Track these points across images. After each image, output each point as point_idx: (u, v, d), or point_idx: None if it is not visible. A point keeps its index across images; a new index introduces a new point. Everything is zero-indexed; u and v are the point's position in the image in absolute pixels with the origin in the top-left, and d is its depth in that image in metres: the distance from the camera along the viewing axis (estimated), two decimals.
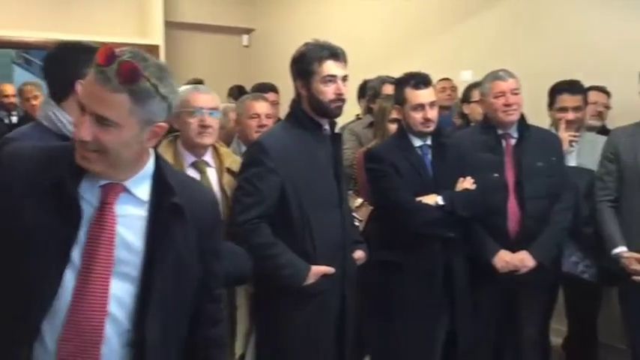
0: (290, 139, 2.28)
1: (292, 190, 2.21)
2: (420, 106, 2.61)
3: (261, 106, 2.98)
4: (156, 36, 6.18)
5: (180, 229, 1.37)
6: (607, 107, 3.51)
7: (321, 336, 2.28)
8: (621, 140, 2.79)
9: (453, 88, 4.50)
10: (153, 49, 6.34)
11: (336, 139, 2.38)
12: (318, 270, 2.22)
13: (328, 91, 2.23)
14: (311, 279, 2.21)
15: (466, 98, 3.76)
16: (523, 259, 2.71)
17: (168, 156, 2.29)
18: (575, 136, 3.06)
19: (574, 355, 3.38)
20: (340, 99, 2.25)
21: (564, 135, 3.02)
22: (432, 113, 2.62)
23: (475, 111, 3.55)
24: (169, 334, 1.38)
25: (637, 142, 2.73)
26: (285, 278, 2.20)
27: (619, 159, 2.76)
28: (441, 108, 2.81)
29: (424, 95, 2.62)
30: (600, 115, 3.46)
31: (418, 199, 2.58)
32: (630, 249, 2.68)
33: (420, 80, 2.64)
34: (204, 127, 2.25)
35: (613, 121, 3.41)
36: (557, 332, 3.44)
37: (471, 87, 3.74)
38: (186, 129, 2.28)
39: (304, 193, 2.22)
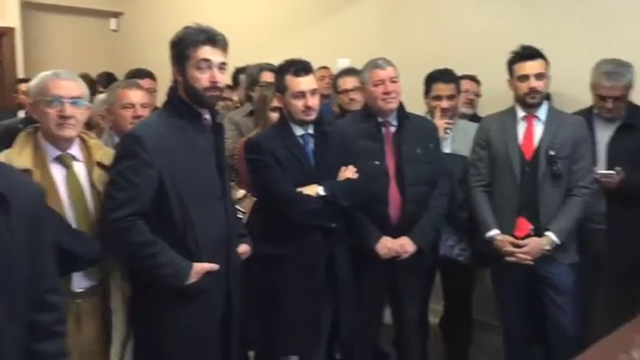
0: (167, 129, 2.13)
1: (171, 183, 2.08)
2: (301, 94, 2.56)
3: (136, 95, 2.78)
4: (10, 17, 5.66)
5: (3, 220, 1.23)
6: (478, 95, 3.68)
7: (205, 335, 2.18)
8: (492, 127, 2.93)
9: (332, 77, 4.51)
10: (7, 32, 5.81)
11: (218, 129, 2.27)
12: (201, 267, 2.11)
13: (202, 78, 2.11)
14: (193, 277, 2.10)
15: (335, 87, 3.75)
16: (404, 245, 2.76)
17: (27, 149, 2.06)
18: (449, 124, 3.17)
19: (450, 333, 3.53)
20: (216, 87, 2.13)
21: (440, 122, 3.12)
22: (313, 101, 2.58)
23: (344, 100, 3.56)
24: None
25: (506, 128, 2.88)
26: (165, 278, 2.07)
27: (490, 145, 2.90)
28: (321, 96, 2.77)
29: (305, 83, 2.57)
30: (471, 103, 3.62)
31: (299, 189, 2.53)
32: (502, 232, 2.83)
33: (300, 67, 2.58)
34: (64, 117, 2.05)
35: (483, 109, 3.59)
36: (434, 312, 3.58)
37: (337, 76, 3.72)
38: (44, 120, 2.07)
39: (184, 186, 2.09)
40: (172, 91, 2.22)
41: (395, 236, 2.77)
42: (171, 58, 2.19)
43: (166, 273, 2.07)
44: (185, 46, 2.12)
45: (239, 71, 3.95)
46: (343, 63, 4.38)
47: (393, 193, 2.79)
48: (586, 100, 3.10)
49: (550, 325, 2.88)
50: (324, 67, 4.46)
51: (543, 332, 2.96)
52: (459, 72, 3.36)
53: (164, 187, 2.07)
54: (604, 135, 2.99)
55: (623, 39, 3.35)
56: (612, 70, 2.90)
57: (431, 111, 3.26)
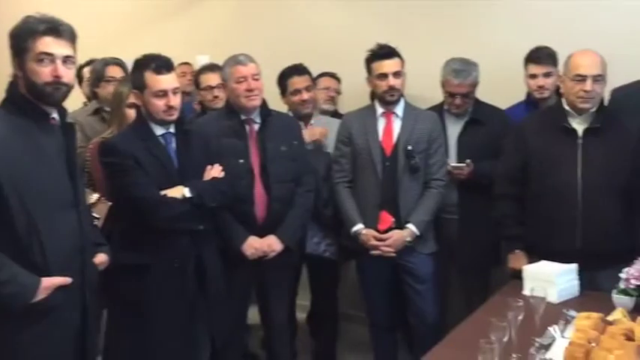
0: (7, 130, 1.90)
1: (13, 190, 1.85)
2: (163, 93, 2.41)
3: None
4: None
5: None
6: (338, 92, 3.74)
7: (57, 354, 1.98)
8: (353, 124, 2.99)
9: (194, 73, 4.36)
10: None
11: (68, 129, 2.05)
12: (50, 282, 1.90)
13: (43, 72, 1.90)
14: (42, 294, 1.89)
15: (197, 84, 3.63)
16: (271, 244, 2.73)
17: None
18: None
19: (318, 328, 3.57)
20: (59, 82, 1.93)
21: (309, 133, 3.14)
22: (175, 100, 2.44)
23: (206, 97, 3.46)
24: None
25: (367, 125, 2.96)
26: (7, 297, 1.85)
27: (352, 142, 2.96)
28: (182, 94, 2.65)
29: (166, 81, 2.42)
30: (333, 100, 3.67)
31: (163, 192, 2.40)
32: (366, 226, 2.90)
33: (161, 64, 2.43)
34: None
35: (344, 106, 3.65)
36: (301, 308, 3.60)
37: (199, 72, 3.61)
38: None
39: (29, 193, 1.88)
40: (12, 87, 1.99)
41: (262, 235, 2.73)
42: (10, 50, 1.96)
43: (8, 292, 1.84)
44: (23, 37, 1.91)
45: (82, 66, 3.66)
46: (202, 59, 4.25)
47: (259, 191, 2.74)
48: (437, 96, 3.26)
49: (412, 312, 3.01)
50: (186, 63, 4.29)
51: (406, 320, 3.09)
52: (319, 69, 3.40)
53: (4, 196, 1.84)
54: (454, 130, 3.16)
55: (469, 40, 3.57)
56: (460, 68, 3.07)
57: (293, 108, 3.26)
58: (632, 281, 2.23)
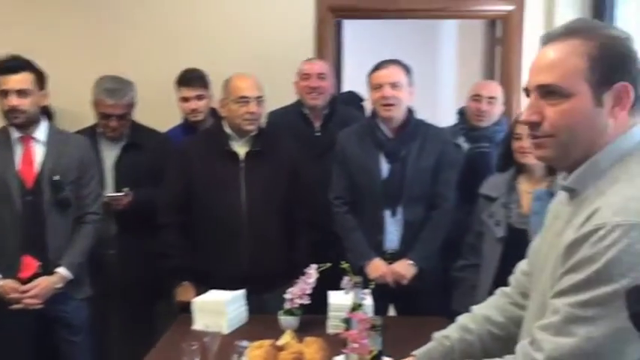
0: None
1: None
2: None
3: None
4: None
5: None
6: None
7: None
8: None
9: None
10: None
11: None
12: None
13: None
14: None
15: None
16: None
17: None
18: None
19: None
20: None
21: None
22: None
23: None
24: None
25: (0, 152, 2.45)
26: None
27: None
28: None
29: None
30: None
31: None
32: (5, 274, 2.38)
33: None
34: None
35: None
36: None
37: None
38: None
39: None
40: None
41: None
42: None
43: None
44: None
45: None
46: None
47: None
48: (90, 117, 2.93)
49: None
50: None
51: None
52: None
53: None
54: (110, 155, 2.88)
55: (123, 56, 3.34)
56: (114, 87, 2.81)
57: None
58: (297, 300, 2.28)
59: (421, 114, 2.74)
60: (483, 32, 3.98)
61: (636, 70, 1.08)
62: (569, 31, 1.11)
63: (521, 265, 1.42)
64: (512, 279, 1.45)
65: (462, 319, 1.45)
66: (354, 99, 3.60)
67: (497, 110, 3.07)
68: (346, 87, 3.88)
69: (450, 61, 5.82)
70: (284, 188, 2.62)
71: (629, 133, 1.10)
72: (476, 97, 3.07)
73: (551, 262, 1.13)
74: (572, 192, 1.14)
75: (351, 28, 4.52)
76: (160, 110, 3.14)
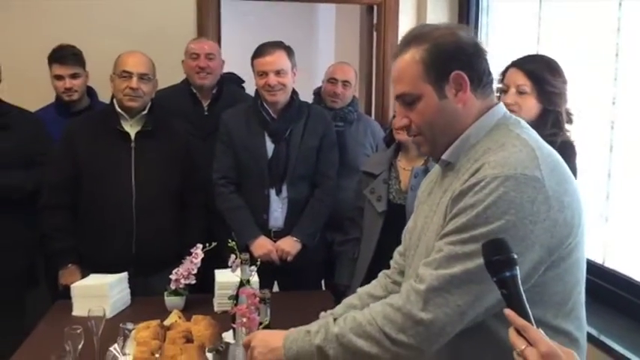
0: None
1: None
2: None
3: None
4: None
5: None
6: None
7: None
8: None
9: None
10: None
11: None
12: None
13: None
14: None
15: None
16: None
17: None
18: None
19: None
20: None
21: None
22: None
23: None
24: None
25: None
26: None
27: None
28: None
29: None
30: None
31: None
32: None
33: None
34: None
35: None
36: None
37: None
38: None
39: None
40: None
41: None
42: None
43: None
44: None
45: None
46: None
47: None
48: None
49: None
50: None
51: None
52: None
53: None
54: None
55: None
56: None
57: None
58: (182, 281, 2.27)
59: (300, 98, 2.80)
60: (361, 18, 4.11)
61: (467, 57, 1.25)
62: (405, 43, 1.28)
63: (398, 248, 1.55)
64: (391, 262, 1.57)
65: (347, 299, 1.56)
66: (234, 80, 3.60)
67: (350, 93, 3.20)
68: (225, 68, 3.86)
69: (328, 45, 5.95)
70: (177, 170, 2.59)
71: (491, 112, 1.28)
72: (332, 80, 3.19)
73: (434, 227, 1.26)
74: (448, 165, 1.30)
75: (230, 8, 4.50)
76: (27, 90, 2.96)
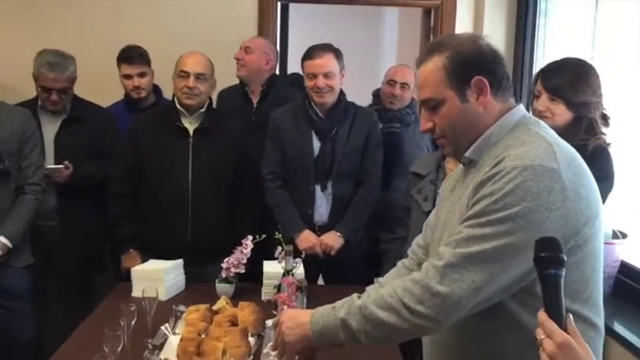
0: None
1: None
2: None
3: None
4: None
5: None
6: None
7: None
8: None
9: None
10: None
11: None
12: None
13: None
14: None
15: None
16: None
17: None
18: None
19: None
20: None
21: None
22: None
23: None
24: None
25: None
26: None
27: None
28: None
29: None
30: None
31: None
32: None
33: None
34: None
35: None
36: None
37: None
38: None
39: None
40: None
41: None
42: None
43: None
44: None
45: None
46: None
47: None
48: (30, 90, 2.94)
49: (5, 332, 2.62)
50: None
51: None
52: None
53: None
54: (51, 129, 2.90)
55: (64, 31, 3.33)
56: (55, 61, 2.82)
57: None
58: (232, 269, 2.40)
59: (362, 99, 2.86)
60: (421, 21, 4.14)
61: (487, 63, 1.33)
62: (429, 51, 1.37)
63: (417, 240, 1.62)
64: (409, 252, 1.64)
65: (369, 289, 1.62)
66: (297, 80, 3.71)
67: (408, 95, 3.24)
68: (291, 69, 3.99)
69: (391, 47, 5.99)
70: (231, 165, 2.70)
71: (511, 112, 1.35)
72: (390, 82, 3.23)
73: (456, 219, 1.33)
74: (471, 162, 1.37)
75: (297, 12, 4.64)
76: (100, 86, 3.17)
